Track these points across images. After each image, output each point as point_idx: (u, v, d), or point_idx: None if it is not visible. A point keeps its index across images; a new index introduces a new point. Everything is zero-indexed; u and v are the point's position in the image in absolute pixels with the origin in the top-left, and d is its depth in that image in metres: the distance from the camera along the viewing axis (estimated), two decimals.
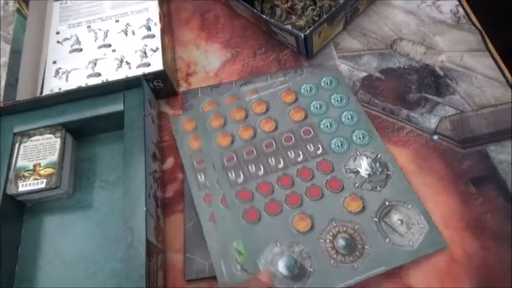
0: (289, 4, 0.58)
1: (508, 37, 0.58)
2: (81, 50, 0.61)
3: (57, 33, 0.64)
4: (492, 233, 0.43)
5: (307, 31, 0.51)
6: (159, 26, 0.59)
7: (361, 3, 0.57)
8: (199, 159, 0.49)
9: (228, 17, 0.63)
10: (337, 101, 0.51)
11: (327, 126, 0.49)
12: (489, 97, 0.51)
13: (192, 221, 0.47)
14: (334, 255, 0.41)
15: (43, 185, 0.46)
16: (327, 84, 0.53)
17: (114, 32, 0.62)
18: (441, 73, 0.54)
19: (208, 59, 0.60)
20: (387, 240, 0.42)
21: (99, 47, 0.61)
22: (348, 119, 0.50)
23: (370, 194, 0.44)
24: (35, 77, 0.59)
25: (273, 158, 0.48)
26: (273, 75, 0.55)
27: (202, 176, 0.48)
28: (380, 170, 0.46)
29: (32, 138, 0.50)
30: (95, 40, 0.62)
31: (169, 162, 0.52)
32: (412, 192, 0.45)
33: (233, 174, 0.47)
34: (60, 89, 0.57)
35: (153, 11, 0.63)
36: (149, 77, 0.53)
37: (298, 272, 0.41)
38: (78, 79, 0.58)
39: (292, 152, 0.48)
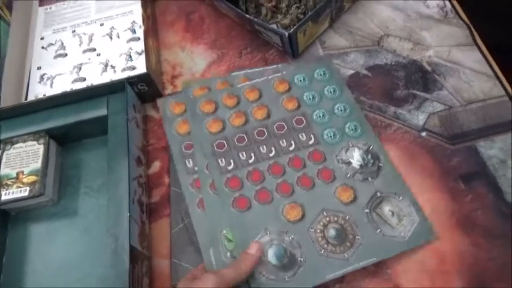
0: (273, 3, 0.57)
1: (496, 30, 0.57)
2: (65, 55, 0.61)
3: (42, 38, 0.63)
4: (483, 230, 0.42)
5: (292, 29, 0.50)
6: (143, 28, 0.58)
7: (346, 0, 0.56)
8: (187, 143, 0.48)
9: (213, 18, 0.62)
10: (330, 92, 0.51)
11: (320, 117, 0.49)
12: (477, 92, 0.50)
13: (178, 225, 0.46)
14: (325, 245, 0.41)
15: (26, 193, 0.46)
16: (320, 75, 0.52)
17: (99, 36, 0.61)
18: (429, 68, 0.53)
19: (194, 61, 0.59)
20: (378, 231, 0.42)
21: (84, 51, 0.60)
22: (341, 110, 0.50)
23: (361, 185, 0.44)
24: (19, 83, 0.58)
25: (264, 146, 0.47)
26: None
27: (191, 161, 0.47)
28: (372, 161, 0.46)
29: (15, 146, 0.49)
30: (80, 45, 0.61)
31: (155, 166, 0.51)
32: (403, 184, 0.45)
33: (223, 161, 0.46)
34: (44, 95, 0.57)
35: (138, 13, 0.62)
36: (133, 81, 0.52)
37: (288, 261, 0.40)
38: (63, 84, 0.57)
39: (284, 141, 0.48)
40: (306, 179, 0.45)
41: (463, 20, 0.56)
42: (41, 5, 0.67)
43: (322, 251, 0.41)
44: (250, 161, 0.46)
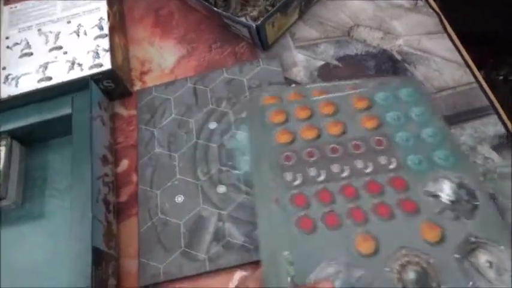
0: None
1: (466, 18, 0.57)
2: (31, 54, 0.59)
3: (7, 38, 0.61)
4: None
5: (259, 21, 0.49)
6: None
7: None
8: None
9: (183, 12, 0.61)
10: (417, 115, 0.43)
11: (404, 140, 0.42)
12: (448, 79, 0.50)
13: (146, 224, 0.45)
14: None
15: None
16: (406, 96, 0.45)
17: (66, 34, 0.60)
18: (399, 58, 0.52)
19: (163, 56, 0.58)
20: (470, 283, 0.34)
21: (50, 50, 0.59)
22: (430, 135, 0.42)
23: (452, 224, 0.37)
24: None
25: (337, 165, 0.41)
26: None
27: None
28: (466, 198, 0.38)
29: None
30: (46, 43, 0.60)
31: (124, 164, 0.50)
32: (507, 231, 0.37)
33: (290, 176, 0.41)
34: (9, 95, 0.55)
35: (105, 10, 0.60)
36: (98, 78, 0.51)
37: None
38: (29, 84, 0.56)
39: (361, 162, 0.41)
40: (383, 207, 0.38)
41: (433, 8, 0.55)
42: (6, 4, 0.65)
43: None
44: (320, 179, 0.40)
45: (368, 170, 0.40)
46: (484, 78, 0.51)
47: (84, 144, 0.45)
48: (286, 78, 0.53)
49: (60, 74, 0.56)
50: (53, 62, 0.57)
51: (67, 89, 0.49)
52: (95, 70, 0.55)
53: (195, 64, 0.56)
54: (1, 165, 0.46)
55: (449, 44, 0.53)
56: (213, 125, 0.51)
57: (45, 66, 0.57)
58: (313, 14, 0.58)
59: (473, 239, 0.36)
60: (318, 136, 0.43)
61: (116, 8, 0.60)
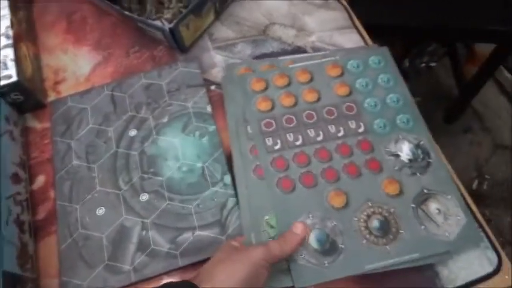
0: None
1: (372, 10, 0.60)
2: None
3: None
4: None
5: (172, 24, 0.49)
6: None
7: None
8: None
9: (96, 16, 0.59)
10: (384, 81, 0.49)
11: (371, 106, 0.48)
12: None
13: (66, 241, 0.43)
14: (367, 236, 0.41)
15: None
16: (375, 63, 0.51)
17: None
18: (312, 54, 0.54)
19: (77, 64, 0.56)
20: (423, 227, 0.41)
21: None
22: (394, 101, 0.48)
23: (409, 179, 0.43)
24: None
25: (312, 130, 0.47)
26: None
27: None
28: (422, 156, 0.45)
29: None
30: None
31: (40, 181, 0.48)
32: (452, 184, 0.44)
33: (270, 141, 0.46)
34: None
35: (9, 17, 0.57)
36: (4, 91, 0.48)
37: (328, 247, 0.40)
38: None
39: (333, 127, 0.47)
40: (352, 167, 0.44)
41: (341, 3, 0.58)
42: None
43: (364, 241, 0.40)
44: (297, 143, 0.46)
45: (340, 134, 0.46)
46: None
47: None
48: (205, 80, 0.53)
49: None
50: None
51: None
52: (4, 82, 0.52)
53: (112, 70, 0.55)
54: None
55: (358, 37, 0.55)
56: (133, 132, 0.50)
57: None
58: (230, 13, 0.58)
59: (426, 191, 0.43)
60: (295, 103, 0.48)
61: (21, 15, 0.56)
